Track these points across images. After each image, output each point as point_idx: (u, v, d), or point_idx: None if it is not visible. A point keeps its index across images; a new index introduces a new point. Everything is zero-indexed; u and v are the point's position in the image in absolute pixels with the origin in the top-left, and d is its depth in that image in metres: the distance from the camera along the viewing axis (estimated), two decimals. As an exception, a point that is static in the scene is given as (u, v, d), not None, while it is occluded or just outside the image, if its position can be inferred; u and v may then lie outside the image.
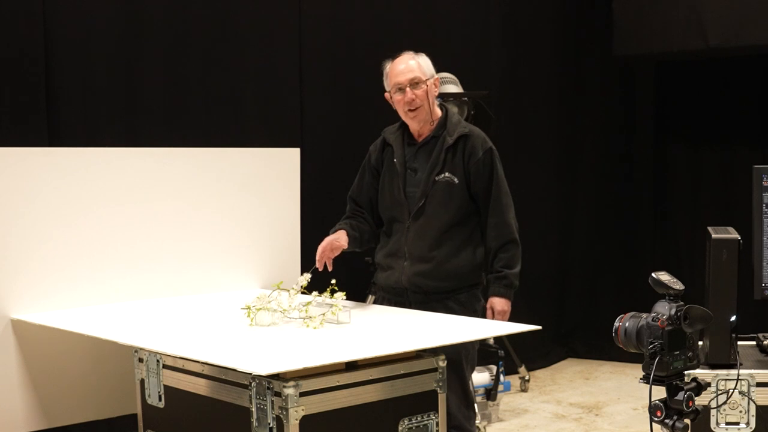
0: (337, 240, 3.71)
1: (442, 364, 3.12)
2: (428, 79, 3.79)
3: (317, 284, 3.55)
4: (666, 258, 6.88)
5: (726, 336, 3.13)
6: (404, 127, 3.88)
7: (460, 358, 3.68)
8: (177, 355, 3.19)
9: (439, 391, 3.12)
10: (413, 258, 3.77)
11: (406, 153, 3.85)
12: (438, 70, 5.43)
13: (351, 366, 2.93)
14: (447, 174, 3.76)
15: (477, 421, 4.98)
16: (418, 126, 3.82)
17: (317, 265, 3.65)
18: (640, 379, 2.61)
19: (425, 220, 3.77)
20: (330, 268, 3.64)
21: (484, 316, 3.80)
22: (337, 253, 3.70)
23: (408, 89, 3.75)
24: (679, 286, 2.62)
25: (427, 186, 3.76)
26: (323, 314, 3.34)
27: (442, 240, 3.77)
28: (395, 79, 3.78)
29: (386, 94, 3.86)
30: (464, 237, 3.80)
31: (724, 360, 3.14)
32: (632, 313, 2.66)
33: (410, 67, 3.78)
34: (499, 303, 3.78)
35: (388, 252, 3.85)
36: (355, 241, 3.82)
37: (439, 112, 3.86)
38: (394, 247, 3.83)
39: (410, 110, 3.77)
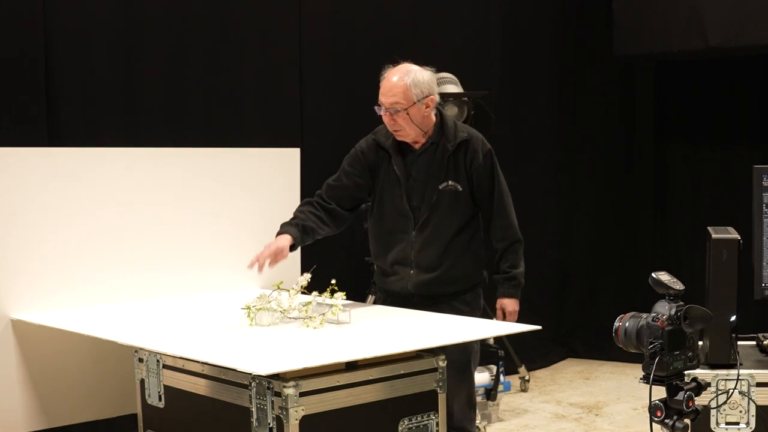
0: (281, 252, 3.65)
1: (442, 364, 3.12)
2: (414, 104, 3.61)
3: (317, 284, 3.55)
4: (666, 258, 6.88)
5: (726, 336, 3.13)
6: None
7: (469, 359, 3.68)
8: (177, 355, 3.19)
9: (439, 391, 3.11)
10: (420, 267, 3.75)
11: (405, 161, 3.75)
12: (438, 70, 5.43)
13: (351, 366, 2.93)
14: (451, 182, 3.71)
15: (477, 421, 4.98)
16: (405, 140, 3.73)
17: (251, 266, 3.59)
18: (640, 379, 2.61)
19: (432, 231, 3.73)
20: (261, 272, 3.62)
21: (487, 312, 3.80)
22: (279, 261, 3.66)
23: (387, 112, 3.64)
24: (679, 286, 2.62)
25: (431, 197, 3.71)
26: (323, 314, 3.34)
27: (449, 248, 3.74)
28: (379, 95, 3.67)
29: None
30: (467, 240, 3.79)
31: (724, 360, 3.14)
32: (632, 313, 2.66)
33: (394, 89, 3.61)
34: (509, 303, 3.78)
35: (394, 260, 3.80)
36: (302, 241, 3.74)
37: (433, 119, 3.73)
38: (399, 255, 3.78)
39: (393, 129, 3.69)
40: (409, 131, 3.67)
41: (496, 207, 3.76)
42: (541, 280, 7.01)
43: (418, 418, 3.07)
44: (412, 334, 3.30)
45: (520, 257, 3.82)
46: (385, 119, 3.68)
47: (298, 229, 3.72)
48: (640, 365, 2.61)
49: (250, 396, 2.91)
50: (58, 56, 4.63)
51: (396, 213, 3.77)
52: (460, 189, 3.71)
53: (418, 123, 3.66)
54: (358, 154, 3.85)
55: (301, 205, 3.86)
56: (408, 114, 3.62)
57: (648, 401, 2.58)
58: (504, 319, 3.77)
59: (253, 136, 5.26)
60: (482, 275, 3.84)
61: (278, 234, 3.72)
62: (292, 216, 3.80)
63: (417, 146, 3.75)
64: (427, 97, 3.66)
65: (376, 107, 3.72)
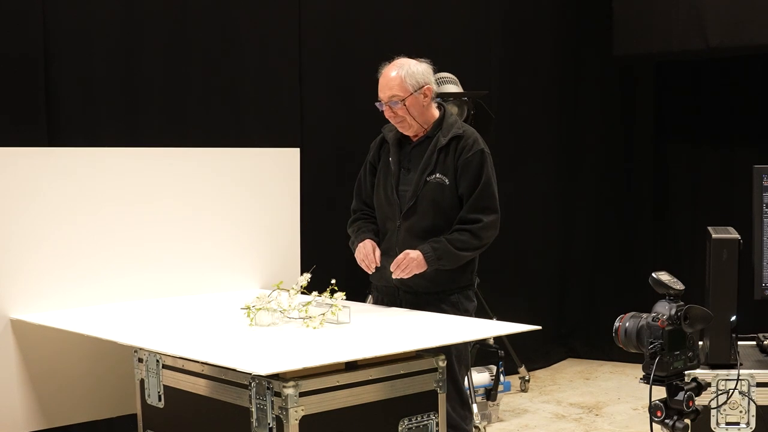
0: (375, 247, 3.78)
1: (442, 364, 3.12)
2: (411, 94, 3.69)
3: (317, 284, 3.55)
4: (666, 258, 6.88)
5: (726, 336, 3.14)
6: None
7: (451, 358, 3.67)
8: (177, 355, 3.19)
9: (439, 391, 3.12)
10: None
11: (401, 152, 3.83)
12: (438, 70, 5.43)
13: (351, 366, 2.93)
14: (438, 175, 3.73)
15: (477, 422, 4.98)
16: (408, 132, 3.80)
17: (370, 267, 3.74)
18: (640, 379, 2.61)
19: (415, 220, 3.74)
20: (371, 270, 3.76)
21: (476, 316, 3.79)
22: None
23: (386, 106, 3.73)
24: (679, 286, 2.62)
25: (418, 186, 3.74)
26: (323, 314, 3.34)
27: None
28: (379, 91, 3.76)
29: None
30: None
31: (724, 360, 3.14)
32: (632, 313, 2.66)
33: (390, 83, 3.71)
34: (413, 253, 3.64)
35: (382, 251, 3.83)
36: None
37: (435, 114, 3.81)
38: (386, 245, 3.82)
39: (395, 122, 3.77)
40: (411, 122, 3.75)
41: (472, 202, 3.69)
42: (541, 280, 7.02)
43: (418, 418, 3.07)
44: (412, 334, 3.30)
45: (466, 243, 3.65)
46: (386, 113, 3.76)
47: (374, 233, 3.86)
48: (640, 365, 2.61)
49: (250, 396, 2.91)
50: (58, 56, 4.63)
51: (387, 202, 3.83)
52: (447, 182, 3.72)
53: (418, 114, 3.74)
54: (368, 157, 3.98)
55: (352, 223, 3.98)
56: (405, 105, 3.71)
57: (648, 401, 2.58)
58: (398, 264, 3.65)
59: (253, 136, 5.26)
60: (471, 279, 3.82)
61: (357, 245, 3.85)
62: (354, 232, 3.92)
63: (415, 139, 3.81)
64: (423, 87, 3.74)
65: (377, 103, 3.78)
